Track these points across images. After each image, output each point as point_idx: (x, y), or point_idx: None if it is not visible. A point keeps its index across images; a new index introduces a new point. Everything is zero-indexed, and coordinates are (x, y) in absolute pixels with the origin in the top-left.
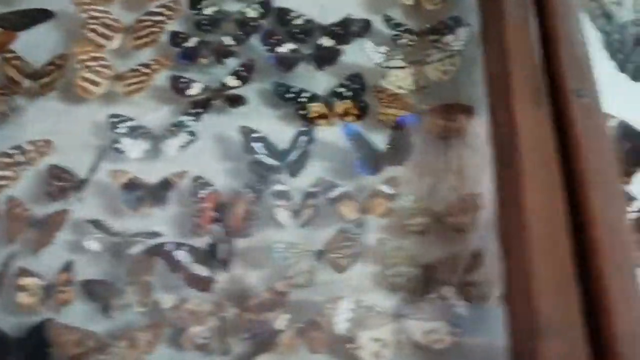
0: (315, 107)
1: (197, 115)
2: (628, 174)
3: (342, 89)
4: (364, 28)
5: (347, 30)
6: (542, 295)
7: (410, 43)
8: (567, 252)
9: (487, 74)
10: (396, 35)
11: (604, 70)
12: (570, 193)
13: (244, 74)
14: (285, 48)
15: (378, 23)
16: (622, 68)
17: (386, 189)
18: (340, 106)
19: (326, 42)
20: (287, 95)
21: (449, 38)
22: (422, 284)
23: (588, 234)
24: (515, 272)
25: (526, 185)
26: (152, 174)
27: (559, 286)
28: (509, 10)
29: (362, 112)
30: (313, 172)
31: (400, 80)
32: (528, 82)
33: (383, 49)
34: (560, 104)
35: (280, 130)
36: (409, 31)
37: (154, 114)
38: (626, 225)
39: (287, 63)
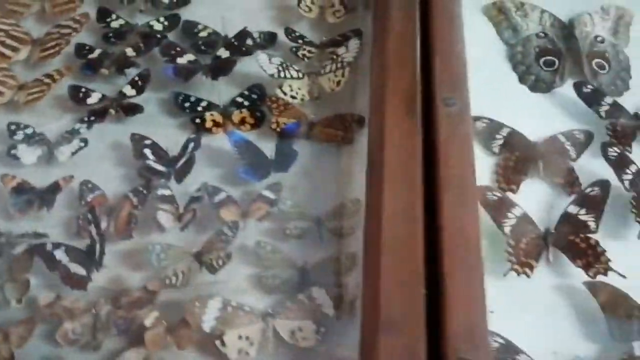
0: (211, 116)
1: (89, 123)
2: (515, 182)
3: (240, 99)
4: (270, 40)
5: (242, 43)
6: (388, 293)
7: (310, 55)
8: (419, 254)
9: (370, 84)
10: (296, 47)
11: (505, 81)
12: (430, 198)
13: (140, 84)
14: (185, 59)
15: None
16: (522, 79)
17: (268, 193)
18: (237, 115)
19: (223, 53)
20: (186, 105)
21: (341, 50)
22: (296, 286)
23: (438, 237)
24: (369, 271)
25: (386, 191)
26: (49, 180)
27: (406, 286)
28: (394, 23)
29: (258, 121)
30: (202, 178)
31: (294, 90)
32: (403, 92)
33: (277, 60)
34: (430, 113)
35: (176, 139)
36: (309, 43)
37: (55, 122)
38: (475, 229)
39: (184, 73)
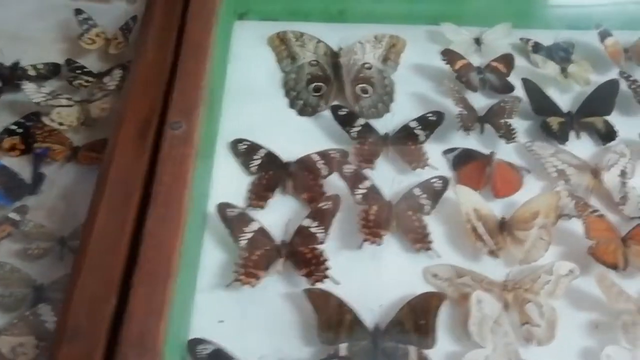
0: None
1: None
2: (264, 199)
3: (14, 126)
4: (53, 71)
5: (13, 74)
6: (78, 304)
7: (86, 84)
8: (118, 266)
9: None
10: (73, 77)
11: (278, 106)
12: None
13: None
14: None
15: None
16: (292, 104)
17: (13, 215)
18: (7, 142)
19: None
20: None
21: (106, 79)
22: (29, 304)
23: (138, 249)
24: (69, 284)
25: (102, 207)
26: None
27: (97, 296)
28: (147, 53)
29: (28, 147)
30: None
31: (63, 117)
32: (141, 116)
33: (47, 89)
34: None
35: None
36: (88, 73)
37: None
38: (175, 243)
39: None
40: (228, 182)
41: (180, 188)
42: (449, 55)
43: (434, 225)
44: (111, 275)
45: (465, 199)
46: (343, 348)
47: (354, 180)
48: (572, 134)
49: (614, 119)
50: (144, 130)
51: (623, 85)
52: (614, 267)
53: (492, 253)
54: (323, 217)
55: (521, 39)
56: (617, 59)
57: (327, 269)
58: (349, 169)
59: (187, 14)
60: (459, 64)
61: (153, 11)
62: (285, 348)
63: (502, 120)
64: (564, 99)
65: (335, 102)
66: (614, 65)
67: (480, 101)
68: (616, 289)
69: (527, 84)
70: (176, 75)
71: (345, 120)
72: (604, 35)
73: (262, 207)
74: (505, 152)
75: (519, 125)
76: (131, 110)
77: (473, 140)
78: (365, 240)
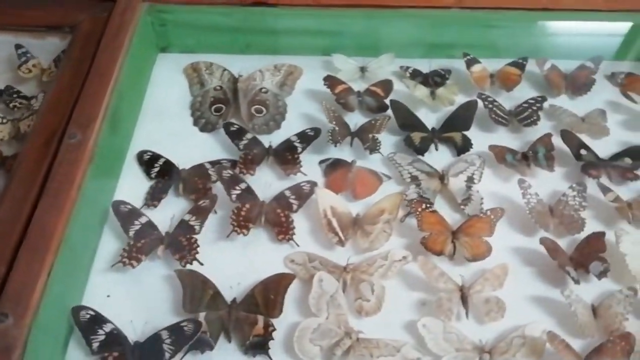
0: None
1: None
2: (157, 199)
3: None
4: None
5: None
6: None
7: (19, 105)
8: (11, 244)
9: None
10: (9, 100)
11: (184, 125)
12: None
13: None
14: None
15: None
16: (196, 122)
17: None
18: None
19: None
20: None
21: (33, 100)
22: None
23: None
24: None
25: (5, 199)
26: None
27: None
28: (63, 76)
29: None
30: None
31: None
32: (50, 128)
33: None
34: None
35: None
36: (22, 97)
37: None
38: (61, 228)
39: None
40: (134, 186)
41: (70, 185)
42: (330, 81)
43: (300, 221)
44: (3, 250)
45: (323, 198)
46: (201, 316)
47: (230, 182)
48: (434, 147)
49: (472, 133)
50: (49, 140)
51: (483, 105)
52: (440, 254)
53: (340, 242)
54: (200, 213)
55: (401, 67)
56: (482, 84)
57: (196, 253)
58: (227, 173)
59: (98, 48)
60: (339, 88)
61: (73, 45)
62: (156, 316)
63: (371, 135)
64: (434, 117)
65: (232, 120)
66: (485, 90)
67: (360, 120)
68: (437, 272)
69: (394, 104)
70: (81, 96)
71: (235, 135)
72: (470, 63)
73: (155, 206)
74: (374, 161)
75: (389, 139)
76: (42, 124)
77: (347, 152)
78: (233, 231)
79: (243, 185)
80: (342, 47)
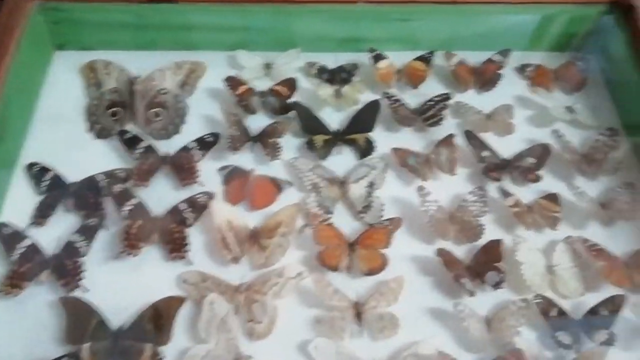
0: None
1: None
2: (45, 216)
3: None
4: None
5: None
6: None
7: None
8: None
9: None
10: None
11: (77, 131)
12: None
13: None
14: None
15: None
16: (91, 128)
17: None
18: None
19: None
20: None
21: None
22: None
23: None
24: None
25: None
26: None
27: None
28: None
29: None
30: None
31: None
32: None
33: None
34: None
35: None
36: None
37: None
38: None
39: None
40: (24, 201)
41: None
42: (231, 82)
43: (195, 235)
44: None
45: (218, 212)
46: (85, 348)
47: (121, 198)
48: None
49: (377, 134)
50: None
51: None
52: (335, 269)
53: (234, 260)
54: (88, 232)
55: (307, 63)
56: (387, 81)
57: (80, 279)
58: (117, 188)
59: None
60: (241, 89)
61: None
62: (39, 348)
63: (272, 140)
64: (339, 118)
65: (130, 125)
66: (391, 86)
67: (264, 122)
68: (331, 289)
69: (297, 106)
70: None
71: (129, 143)
72: (376, 59)
73: (41, 224)
74: (278, 168)
75: (292, 143)
76: None
77: (250, 158)
78: (122, 251)
79: (135, 201)
80: (249, 43)
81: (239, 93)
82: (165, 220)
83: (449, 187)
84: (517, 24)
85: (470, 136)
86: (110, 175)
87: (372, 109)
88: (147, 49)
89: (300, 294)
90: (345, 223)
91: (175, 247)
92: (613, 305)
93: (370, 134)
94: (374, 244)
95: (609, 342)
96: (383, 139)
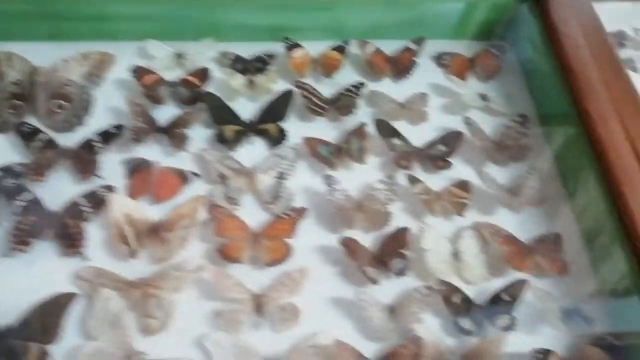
0: None
1: None
2: None
3: None
4: None
5: None
6: None
7: None
8: None
9: None
10: None
11: None
12: None
13: None
14: None
15: None
16: None
17: None
18: None
19: None
20: None
21: None
22: None
23: None
24: None
25: None
26: None
27: None
28: None
29: None
30: None
31: None
32: None
33: None
34: None
35: None
36: None
37: None
38: None
39: None
40: None
41: None
42: (138, 72)
43: (95, 230)
44: None
45: (117, 206)
46: None
47: (12, 193)
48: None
49: (291, 124)
50: None
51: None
52: (238, 261)
53: (131, 254)
54: None
55: (221, 53)
56: (302, 70)
57: None
58: (8, 182)
59: None
60: (148, 79)
61: None
62: None
63: (179, 131)
64: (253, 108)
65: (32, 119)
66: (306, 75)
67: (174, 113)
68: (231, 281)
69: (207, 96)
70: None
71: (29, 136)
72: (290, 48)
73: None
74: (185, 159)
75: (204, 134)
76: None
77: (157, 150)
78: (12, 248)
79: (28, 196)
80: (163, 32)
81: (146, 83)
82: (62, 216)
83: (360, 176)
84: (441, 12)
85: (380, 124)
86: (7, 169)
87: (284, 98)
88: (55, 40)
89: (201, 287)
90: (254, 214)
91: (72, 242)
92: (515, 290)
93: (283, 123)
94: (278, 235)
95: (510, 327)
96: (297, 128)
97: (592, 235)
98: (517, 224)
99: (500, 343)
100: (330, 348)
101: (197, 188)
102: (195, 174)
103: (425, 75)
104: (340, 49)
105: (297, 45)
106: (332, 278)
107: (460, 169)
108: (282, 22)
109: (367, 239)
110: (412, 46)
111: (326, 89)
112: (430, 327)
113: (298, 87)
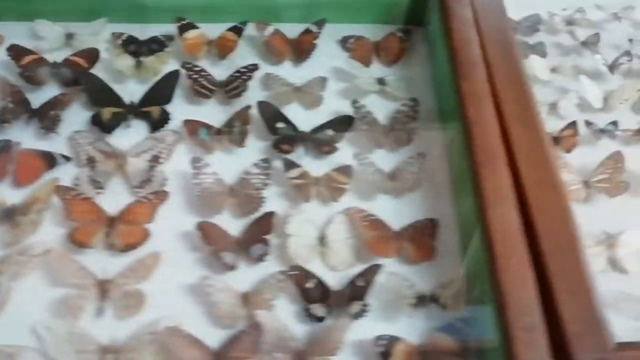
0: None
1: None
2: None
3: None
4: None
5: None
6: None
7: None
8: None
9: None
10: None
11: None
12: None
13: None
14: None
15: None
16: None
17: None
18: None
19: None
20: None
21: None
22: None
23: None
24: None
25: None
26: None
27: None
28: None
29: None
30: None
31: None
32: None
33: None
34: None
35: None
36: None
37: None
38: None
39: None
40: None
41: None
42: (15, 51)
43: None
44: None
45: None
46: None
47: None
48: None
49: (176, 107)
50: None
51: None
52: (88, 246)
53: None
54: None
55: (113, 34)
56: (195, 52)
57: None
58: None
59: None
60: (27, 59)
61: None
62: None
63: (53, 112)
64: (142, 90)
65: None
66: (200, 58)
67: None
68: (75, 266)
69: (86, 77)
70: None
71: None
72: (183, 29)
73: None
74: (58, 142)
75: (84, 116)
76: None
77: (28, 132)
78: None
79: None
80: (58, 12)
81: (23, 63)
82: None
83: (238, 160)
84: None
85: (263, 107)
86: None
87: (170, 80)
88: None
89: (47, 273)
90: (122, 199)
91: None
92: (369, 275)
93: (168, 106)
94: (136, 219)
95: (362, 313)
96: (183, 112)
97: (462, 219)
98: (397, 209)
99: (346, 329)
100: (166, 335)
101: (67, 172)
102: (67, 157)
103: (329, 59)
104: (236, 30)
105: (191, 26)
106: (189, 264)
107: (347, 154)
108: (179, 3)
109: (236, 225)
110: (314, 28)
111: (223, 72)
112: (283, 313)
113: (185, 68)
